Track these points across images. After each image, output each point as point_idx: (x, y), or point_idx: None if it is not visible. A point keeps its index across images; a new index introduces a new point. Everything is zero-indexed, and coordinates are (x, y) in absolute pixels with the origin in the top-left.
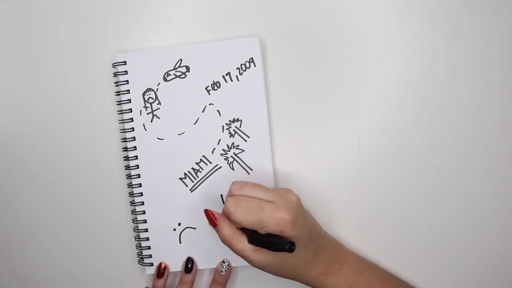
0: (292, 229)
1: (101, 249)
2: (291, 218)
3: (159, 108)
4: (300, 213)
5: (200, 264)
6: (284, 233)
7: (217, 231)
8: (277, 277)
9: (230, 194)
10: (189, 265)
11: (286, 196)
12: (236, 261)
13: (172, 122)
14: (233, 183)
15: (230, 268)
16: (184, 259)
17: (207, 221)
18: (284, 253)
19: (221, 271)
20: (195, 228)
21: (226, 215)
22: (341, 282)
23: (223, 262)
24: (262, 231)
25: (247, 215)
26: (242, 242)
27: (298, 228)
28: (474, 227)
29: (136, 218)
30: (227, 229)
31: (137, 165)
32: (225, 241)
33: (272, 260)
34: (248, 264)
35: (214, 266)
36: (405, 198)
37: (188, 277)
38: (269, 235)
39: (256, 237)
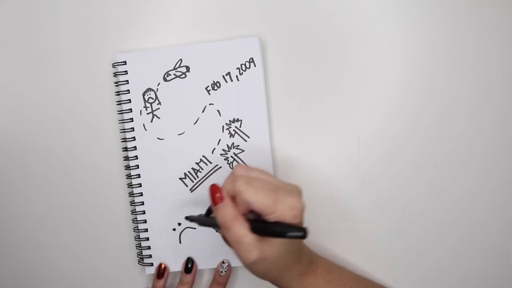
0: (301, 218)
1: (101, 249)
2: (302, 206)
3: (159, 108)
4: None
5: (200, 264)
6: (295, 220)
7: (218, 211)
8: None
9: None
10: (189, 265)
11: (291, 184)
12: (236, 261)
13: (172, 122)
14: (237, 166)
15: (230, 269)
16: (184, 259)
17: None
18: (286, 245)
19: (221, 272)
20: (195, 228)
21: (232, 196)
22: (319, 281)
23: (223, 262)
24: (271, 217)
25: (260, 196)
26: (245, 228)
27: (302, 218)
28: (474, 227)
29: (136, 218)
30: (231, 209)
31: (137, 165)
32: (225, 223)
33: (273, 252)
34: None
35: (214, 266)
36: (405, 198)
37: (188, 277)
38: (274, 223)
39: (262, 225)
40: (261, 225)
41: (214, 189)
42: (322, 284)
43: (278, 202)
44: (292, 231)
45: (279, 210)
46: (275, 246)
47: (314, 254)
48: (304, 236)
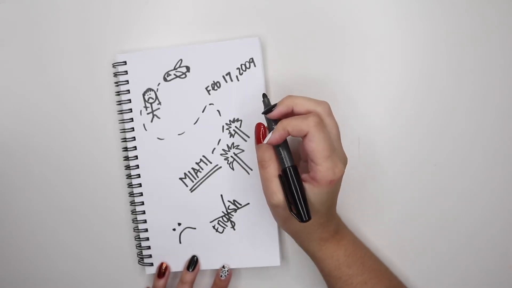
0: (336, 185)
1: (101, 249)
2: (341, 176)
3: (159, 108)
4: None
5: (200, 264)
6: (329, 185)
7: (259, 149)
8: (280, 279)
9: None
10: (192, 264)
11: (343, 152)
12: (237, 263)
13: (172, 122)
14: (323, 102)
15: (230, 273)
16: (184, 259)
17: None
18: (311, 205)
19: (221, 276)
20: (195, 228)
21: (311, 121)
22: (339, 252)
23: (223, 267)
24: (316, 167)
25: (321, 145)
26: (276, 171)
27: (338, 187)
28: (474, 227)
29: (136, 218)
30: (270, 152)
31: (137, 165)
32: (262, 161)
33: None
34: (250, 265)
35: (214, 267)
36: (404, 198)
37: (190, 275)
38: (302, 188)
39: (288, 180)
40: (287, 179)
41: (259, 128)
42: (342, 255)
43: (329, 160)
44: (302, 207)
45: (325, 166)
46: None
47: (342, 225)
48: (301, 219)
